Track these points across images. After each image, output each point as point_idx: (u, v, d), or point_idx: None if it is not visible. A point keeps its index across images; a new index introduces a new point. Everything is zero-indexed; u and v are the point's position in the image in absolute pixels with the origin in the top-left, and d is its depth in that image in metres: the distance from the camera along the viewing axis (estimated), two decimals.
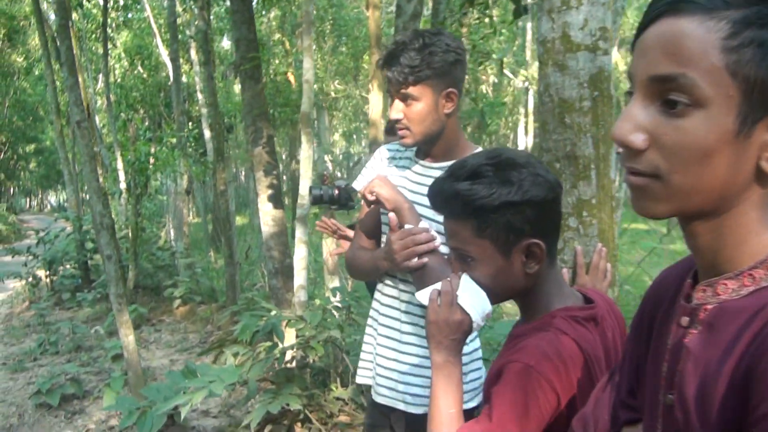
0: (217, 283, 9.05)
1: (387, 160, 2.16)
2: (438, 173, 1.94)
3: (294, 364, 4.33)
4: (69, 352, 6.66)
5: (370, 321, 2.26)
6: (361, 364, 2.27)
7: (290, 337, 4.55)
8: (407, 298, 2.08)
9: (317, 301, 4.88)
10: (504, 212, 1.32)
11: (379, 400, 2.13)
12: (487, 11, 5.77)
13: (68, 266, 8.98)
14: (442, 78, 1.89)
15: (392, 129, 3.17)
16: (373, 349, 2.20)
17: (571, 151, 1.95)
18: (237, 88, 15.10)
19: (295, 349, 4.24)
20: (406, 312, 2.08)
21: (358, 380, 2.28)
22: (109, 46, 13.28)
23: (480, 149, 2.02)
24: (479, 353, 2.15)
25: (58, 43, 4.74)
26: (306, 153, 4.44)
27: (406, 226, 1.86)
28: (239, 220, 20.86)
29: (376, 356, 2.14)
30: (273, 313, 4.52)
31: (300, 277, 4.62)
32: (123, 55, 15.66)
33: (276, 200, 6.05)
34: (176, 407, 3.55)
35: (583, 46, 1.93)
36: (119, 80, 15.79)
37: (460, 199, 1.33)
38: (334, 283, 5.59)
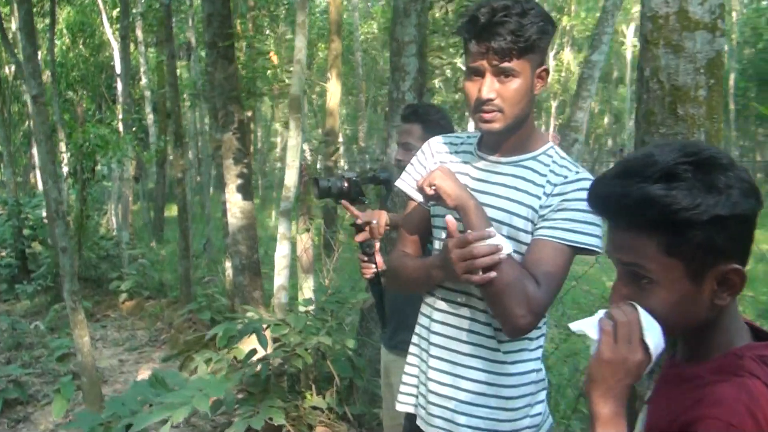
0: (164, 276, 8.50)
1: (439, 155, 1.90)
2: (509, 170, 1.72)
3: (268, 370, 3.95)
4: (9, 351, 6.05)
5: (416, 339, 1.96)
6: (402, 389, 1.98)
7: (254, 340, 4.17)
8: (468, 314, 1.80)
9: (300, 305, 4.50)
10: (707, 228, 1.02)
11: (430, 431, 1.85)
12: None
13: (4, 254, 8.26)
14: (539, 52, 1.65)
15: (410, 115, 2.84)
16: (420, 373, 1.92)
17: None
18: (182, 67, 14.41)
19: (273, 358, 3.87)
20: (468, 331, 1.80)
21: (399, 407, 1.99)
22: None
23: (550, 143, 1.77)
24: (545, 383, 1.87)
25: (17, 7, 4.20)
26: (294, 140, 4.06)
27: (468, 232, 1.58)
28: (174, 209, 20.13)
29: (428, 381, 1.86)
30: (250, 314, 4.13)
31: (281, 276, 4.26)
32: (65, 31, 14.73)
33: (245, 191, 5.64)
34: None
35: (701, 24, 1.65)
36: (58, 58, 14.87)
37: (653, 207, 1.02)
38: (309, 282, 5.22)
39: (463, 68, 1.79)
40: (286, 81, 13.28)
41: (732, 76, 25.59)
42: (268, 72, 8.42)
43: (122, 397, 3.59)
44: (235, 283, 5.71)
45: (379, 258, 2.96)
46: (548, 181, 1.69)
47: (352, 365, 4.28)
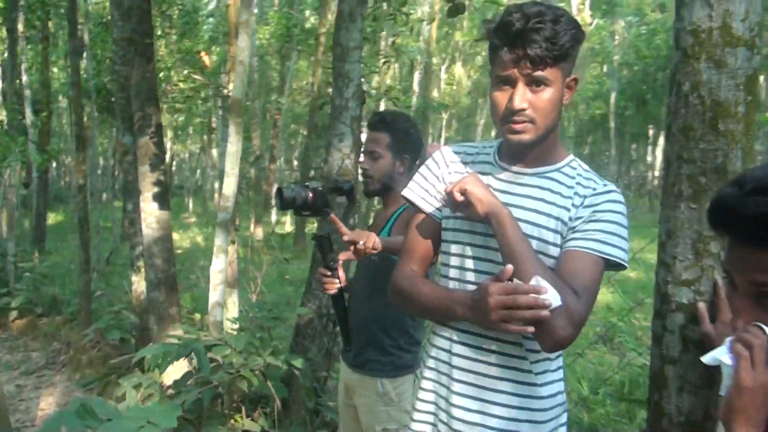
0: (58, 291, 7.83)
1: (454, 164, 1.81)
2: (535, 181, 1.68)
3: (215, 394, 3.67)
4: None
5: (431, 363, 1.83)
6: (416, 416, 1.85)
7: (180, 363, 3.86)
8: (495, 335, 1.69)
9: (229, 322, 4.22)
10: None
11: None
12: (403, 9, 5.42)
13: None
14: (571, 61, 1.60)
15: (378, 123, 2.74)
16: (439, 399, 1.79)
17: (722, 163, 1.64)
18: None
19: (216, 381, 3.59)
20: (497, 353, 1.70)
21: None
22: None
23: (572, 155, 1.74)
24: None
25: None
26: (234, 147, 3.81)
27: (518, 282, 1.51)
28: (53, 218, 18.78)
29: (452, 408, 1.74)
30: (180, 332, 3.82)
31: (216, 292, 3.97)
32: None
33: (162, 200, 5.26)
34: None
35: (742, 40, 1.63)
36: None
37: None
38: (233, 297, 4.94)
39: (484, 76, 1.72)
40: (181, 86, 12.77)
41: (612, 96, 27.24)
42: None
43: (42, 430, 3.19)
44: (150, 299, 5.31)
45: (341, 273, 2.81)
46: (576, 193, 1.65)
47: (290, 384, 4.08)
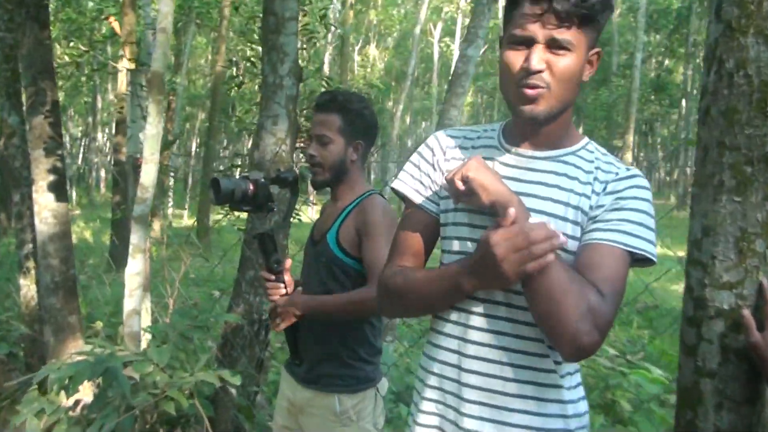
0: None
1: (452, 150, 1.72)
2: (548, 166, 1.60)
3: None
4: None
5: (433, 381, 1.69)
6: (418, 431, 1.71)
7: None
8: (513, 331, 1.58)
9: (145, 333, 3.91)
10: None
11: None
12: None
13: None
14: (597, 28, 1.54)
15: (327, 103, 2.59)
16: (445, 423, 1.66)
17: None
18: None
19: (139, 404, 3.28)
20: (515, 351, 1.58)
21: None
22: None
23: (586, 138, 1.68)
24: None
25: None
26: (154, 129, 3.51)
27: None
28: None
29: (460, 417, 1.61)
30: (94, 349, 3.48)
31: (133, 299, 3.67)
32: None
33: (59, 190, 4.84)
34: None
35: None
36: None
37: None
38: (146, 303, 4.62)
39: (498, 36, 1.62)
40: (66, 59, 12.03)
41: None
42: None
43: None
44: (45, 306, 4.87)
45: (288, 277, 2.64)
46: (596, 179, 1.57)
47: (215, 402, 3.83)
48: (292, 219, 2.83)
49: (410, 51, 27.90)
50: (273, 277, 2.61)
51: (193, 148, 32.95)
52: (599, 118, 27.27)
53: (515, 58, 1.52)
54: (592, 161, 1.61)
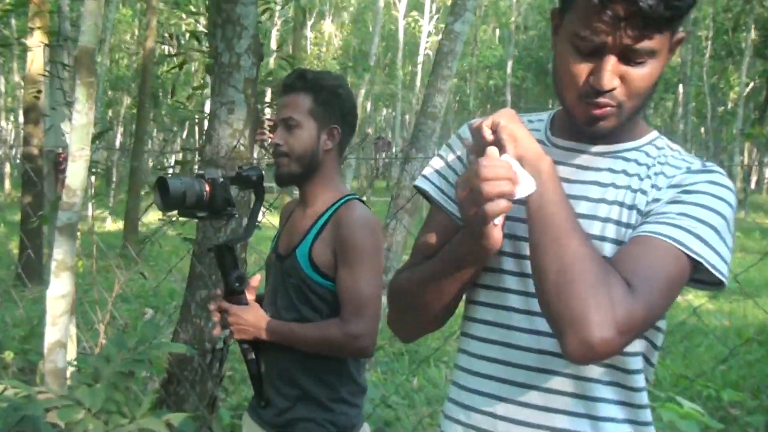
0: None
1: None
2: (604, 163, 1.54)
3: None
4: None
5: (462, 416, 1.61)
6: None
7: None
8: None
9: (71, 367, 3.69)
10: None
11: None
12: None
13: None
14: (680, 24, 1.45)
15: (296, 82, 2.50)
16: (483, 415, 1.58)
17: None
18: None
19: None
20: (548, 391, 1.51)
21: None
22: None
23: (656, 132, 1.63)
24: None
25: None
26: (84, 117, 3.28)
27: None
28: None
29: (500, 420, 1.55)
30: (5, 391, 3.24)
31: (58, 327, 3.44)
32: None
33: None
34: None
35: None
36: None
37: None
38: (72, 330, 4.38)
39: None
40: None
41: (509, 64, 28.15)
42: None
43: None
44: None
45: (251, 297, 2.49)
46: (661, 173, 1.50)
47: None
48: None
49: (371, 28, 27.84)
50: (226, 304, 2.43)
51: (118, 139, 32.41)
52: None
53: (580, 70, 1.42)
54: (656, 157, 1.53)
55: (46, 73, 6.75)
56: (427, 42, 30.14)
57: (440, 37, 5.87)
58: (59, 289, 3.46)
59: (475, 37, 30.24)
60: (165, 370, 4.09)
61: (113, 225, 16.18)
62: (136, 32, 27.88)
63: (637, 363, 1.48)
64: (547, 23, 26.69)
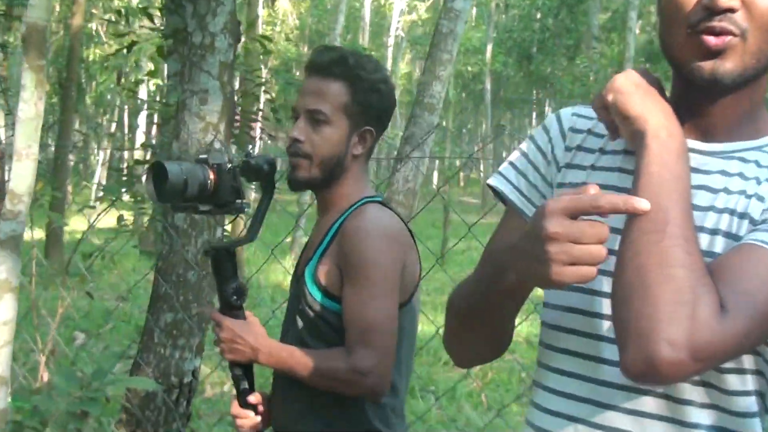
0: None
1: (576, 136, 1.64)
2: (717, 164, 1.48)
3: None
4: None
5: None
6: None
7: None
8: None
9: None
10: None
11: None
12: None
13: None
14: None
15: (331, 65, 2.42)
16: None
17: None
18: None
19: None
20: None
21: None
22: None
23: None
24: None
25: None
26: (32, 108, 3.19)
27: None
28: None
29: None
30: None
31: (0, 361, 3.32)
32: None
33: None
34: None
35: None
36: None
37: None
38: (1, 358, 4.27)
39: None
40: None
41: (489, 49, 28.34)
42: None
43: None
44: None
45: (253, 319, 2.43)
46: None
47: None
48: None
49: (332, 5, 27.82)
50: (219, 316, 2.37)
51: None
52: (576, 95, 28.06)
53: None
54: None
55: None
56: (398, 21, 30.13)
57: (423, 15, 5.83)
58: (1, 315, 3.36)
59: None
60: (123, 408, 4.04)
61: (41, 231, 15.92)
62: (57, 7, 27.68)
63: (748, 403, 1.43)
64: (531, 1, 26.90)
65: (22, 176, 3.30)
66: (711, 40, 1.35)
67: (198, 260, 3.87)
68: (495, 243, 1.65)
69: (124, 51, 5.85)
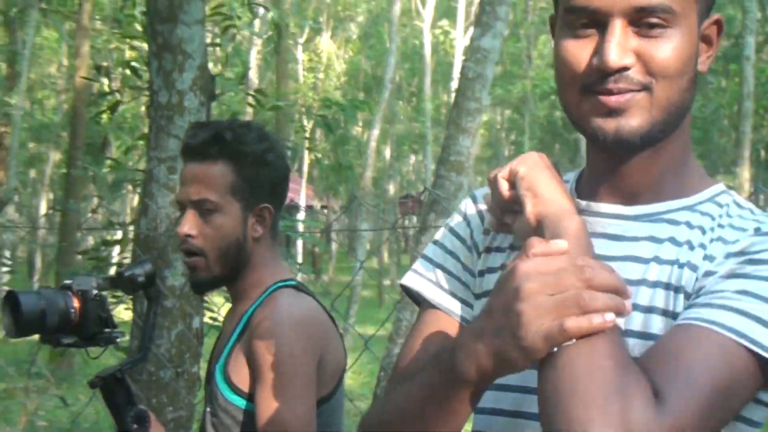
0: None
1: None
2: (643, 230, 1.57)
3: None
4: None
5: None
6: None
7: None
8: None
9: None
10: None
11: None
12: None
13: None
14: None
15: (207, 145, 2.58)
16: None
17: None
18: None
19: None
20: None
21: None
22: None
23: (721, 186, 1.65)
24: None
25: None
26: None
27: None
28: None
29: None
30: None
31: None
32: None
33: None
34: None
35: None
36: None
37: None
38: None
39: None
40: None
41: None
42: None
43: None
44: None
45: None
46: (718, 239, 1.51)
47: None
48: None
49: (386, 44, 28.11)
50: None
51: (42, 209, 32.80)
52: (692, 140, 27.71)
53: (577, 52, 1.50)
54: (715, 217, 1.56)
55: None
56: (463, 60, 30.04)
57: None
58: None
59: (529, 53, 30.39)
60: None
61: None
62: (65, 62, 28.45)
63: None
64: None
65: None
66: (610, 100, 1.46)
67: (172, 356, 4.00)
68: (412, 351, 1.72)
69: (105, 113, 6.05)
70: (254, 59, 24.38)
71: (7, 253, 21.51)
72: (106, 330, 2.46)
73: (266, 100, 7.98)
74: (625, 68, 1.45)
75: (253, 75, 24.06)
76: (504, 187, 1.52)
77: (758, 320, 1.37)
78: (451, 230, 1.77)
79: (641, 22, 1.45)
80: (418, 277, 1.77)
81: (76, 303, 2.41)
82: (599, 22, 1.46)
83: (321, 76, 28.06)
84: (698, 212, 1.56)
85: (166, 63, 4.00)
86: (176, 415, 4.14)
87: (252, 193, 2.55)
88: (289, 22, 21.20)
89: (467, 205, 1.78)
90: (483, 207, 1.74)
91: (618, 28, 1.45)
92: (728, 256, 1.47)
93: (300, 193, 27.56)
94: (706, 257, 1.49)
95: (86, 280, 2.49)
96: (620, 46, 1.44)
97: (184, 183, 2.56)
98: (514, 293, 1.30)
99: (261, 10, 13.53)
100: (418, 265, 1.79)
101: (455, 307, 1.71)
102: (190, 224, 2.50)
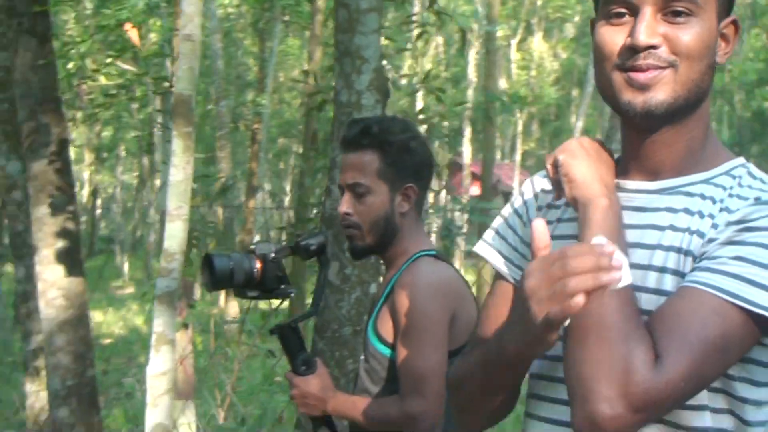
0: None
1: (546, 195, 1.83)
2: (664, 201, 1.62)
3: None
4: None
5: None
6: None
7: None
8: None
9: None
10: None
11: None
12: None
13: None
14: None
15: (358, 137, 2.79)
16: None
17: None
18: None
19: None
20: None
21: None
22: None
23: (740, 160, 1.69)
24: None
25: None
26: (181, 172, 3.75)
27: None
28: None
29: None
30: None
31: (159, 409, 3.85)
32: None
33: (71, 261, 5.24)
34: None
35: None
36: None
37: None
38: (188, 416, 4.86)
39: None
40: (103, 80, 12.81)
41: None
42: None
43: None
44: (55, 420, 5.24)
45: (322, 371, 2.80)
46: (725, 208, 1.56)
47: None
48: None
49: None
50: (290, 375, 2.75)
51: (288, 197, 33.91)
52: (755, 132, 25.53)
53: (613, 36, 1.59)
54: (727, 188, 1.61)
55: (159, 124, 7.37)
56: None
57: None
58: (159, 366, 3.88)
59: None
60: None
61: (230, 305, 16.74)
62: (306, 66, 29.26)
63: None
64: None
65: (174, 236, 3.87)
66: (639, 76, 1.54)
67: (351, 316, 4.27)
68: (488, 314, 1.81)
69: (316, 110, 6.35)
70: (472, 58, 24.43)
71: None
72: (282, 286, 2.74)
73: (446, 96, 8.10)
74: (654, 47, 1.53)
75: (472, 73, 24.07)
76: (551, 172, 1.63)
77: (751, 282, 1.43)
78: (513, 208, 1.86)
79: (668, 10, 1.53)
80: (485, 245, 1.86)
81: (258, 264, 2.68)
82: (632, 10, 1.55)
83: (533, 73, 27.79)
84: (712, 184, 1.61)
85: (346, 67, 4.21)
86: (355, 366, 4.38)
87: (397, 176, 2.73)
88: (501, 24, 21.20)
89: (526, 187, 1.86)
90: (538, 188, 1.83)
91: (648, 13, 1.53)
92: (728, 224, 1.52)
93: (514, 178, 27.71)
94: (713, 225, 1.54)
95: (266, 246, 2.77)
96: (650, 28, 1.53)
97: (342, 170, 2.79)
98: (522, 291, 1.39)
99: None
100: (488, 234, 1.88)
101: (516, 274, 1.78)
102: (347, 204, 2.73)
